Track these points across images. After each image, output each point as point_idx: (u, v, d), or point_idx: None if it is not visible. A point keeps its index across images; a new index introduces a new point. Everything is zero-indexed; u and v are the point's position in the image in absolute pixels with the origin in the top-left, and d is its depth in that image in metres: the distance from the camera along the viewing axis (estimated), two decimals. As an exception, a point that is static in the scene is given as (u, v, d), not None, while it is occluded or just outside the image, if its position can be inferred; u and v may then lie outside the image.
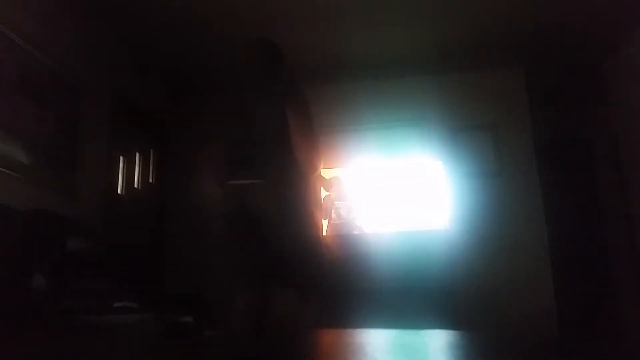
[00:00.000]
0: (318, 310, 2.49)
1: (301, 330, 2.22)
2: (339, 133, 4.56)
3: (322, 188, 4.14)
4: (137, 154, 4.37)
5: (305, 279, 2.38)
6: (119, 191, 4.04)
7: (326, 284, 2.59)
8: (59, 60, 3.27)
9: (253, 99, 2.53)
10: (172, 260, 4.53)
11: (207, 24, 3.81)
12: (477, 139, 4.46)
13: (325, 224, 4.13)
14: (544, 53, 4.34)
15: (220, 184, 2.46)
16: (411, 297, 3.62)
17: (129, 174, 4.20)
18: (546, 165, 4.55)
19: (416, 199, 4.44)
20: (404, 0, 3.59)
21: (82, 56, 3.55)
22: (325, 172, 4.00)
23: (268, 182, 2.33)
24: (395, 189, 4.51)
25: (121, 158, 4.09)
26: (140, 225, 4.38)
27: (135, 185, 4.31)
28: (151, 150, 4.61)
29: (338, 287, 3.37)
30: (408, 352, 1.31)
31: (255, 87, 2.55)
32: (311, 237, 2.43)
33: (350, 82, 4.65)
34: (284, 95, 2.44)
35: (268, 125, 2.41)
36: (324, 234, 3.93)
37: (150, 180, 4.55)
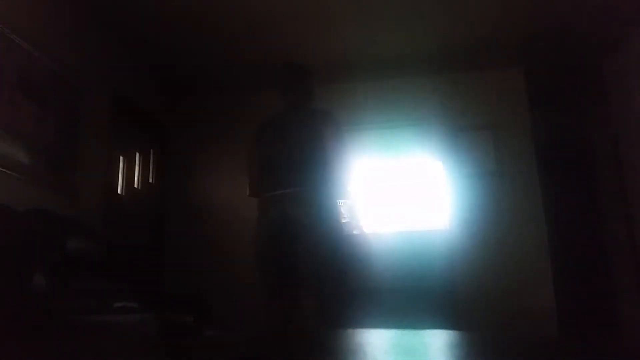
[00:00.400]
0: (341, 312, 2.55)
1: (318, 331, 2.26)
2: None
3: None
4: (137, 154, 4.38)
5: (336, 284, 2.46)
6: (119, 191, 4.04)
7: (350, 288, 2.67)
8: (59, 60, 3.27)
9: (287, 115, 2.69)
10: (172, 260, 4.53)
11: (207, 24, 3.81)
12: (477, 140, 4.46)
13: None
14: (544, 53, 4.34)
15: (257, 195, 2.57)
16: (411, 297, 3.63)
17: (129, 174, 4.20)
18: (546, 165, 4.55)
19: (417, 199, 4.44)
20: (405, 0, 3.59)
21: (82, 56, 3.55)
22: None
23: (304, 190, 2.43)
24: (395, 189, 4.52)
25: (121, 158, 4.10)
26: (141, 225, 4.38)
27: (135, 185, 4.31)
28: (151, 150, 4.61)
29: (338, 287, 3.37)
30: (408, 352, 1.32)
31: (288, 106, 2.71)
32: (344, 243, 2.53)
33: (351, 83, 4.65)
34: (315, 111, 2.63)
35: (302, 138, 2.54)
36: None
37: (150, 180, 4.55)
